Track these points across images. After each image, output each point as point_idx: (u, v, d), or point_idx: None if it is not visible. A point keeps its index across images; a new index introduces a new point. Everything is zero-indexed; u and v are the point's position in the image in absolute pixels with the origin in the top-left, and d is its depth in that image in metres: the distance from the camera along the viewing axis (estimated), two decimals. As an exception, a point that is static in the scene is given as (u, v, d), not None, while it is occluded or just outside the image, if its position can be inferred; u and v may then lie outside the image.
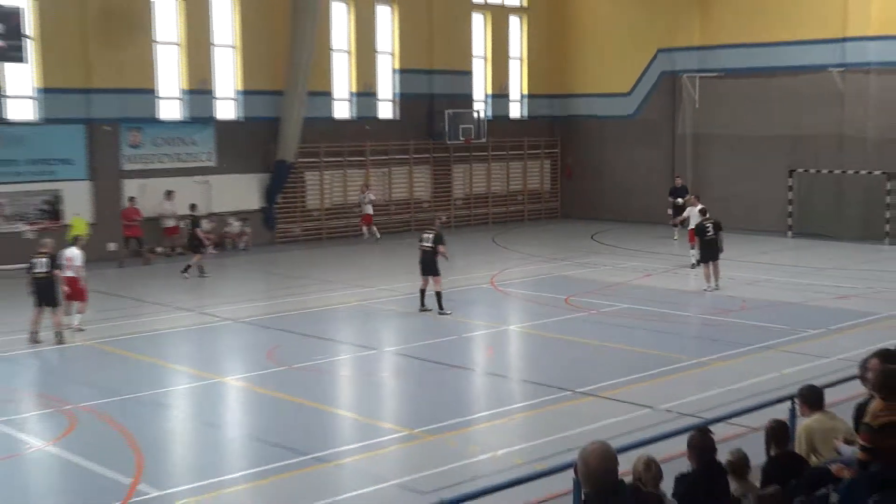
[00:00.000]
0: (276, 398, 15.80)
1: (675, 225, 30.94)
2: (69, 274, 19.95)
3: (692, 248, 26.84)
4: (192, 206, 29.49)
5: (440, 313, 21.46)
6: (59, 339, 19.23)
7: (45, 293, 19.21)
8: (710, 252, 24.29)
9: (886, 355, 8.75)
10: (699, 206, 26.20)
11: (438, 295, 21.57)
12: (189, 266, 26.56)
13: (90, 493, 11.75)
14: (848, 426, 8.97)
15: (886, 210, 32.09)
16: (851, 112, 33.16)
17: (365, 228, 34.49)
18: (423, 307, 21.81)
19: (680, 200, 31.04)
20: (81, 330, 20.03)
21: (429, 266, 21.69)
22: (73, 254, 20.31)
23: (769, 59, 34.74)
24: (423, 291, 21.94)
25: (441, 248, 21.74)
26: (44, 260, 19.41)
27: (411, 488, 11.62)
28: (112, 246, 28.93)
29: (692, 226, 26.51)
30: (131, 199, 29.98)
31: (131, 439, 13.61)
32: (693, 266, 26.66)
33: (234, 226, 32.66)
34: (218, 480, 12.22)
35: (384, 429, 14.31)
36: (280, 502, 11.45)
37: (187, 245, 28.26)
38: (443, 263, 21.93)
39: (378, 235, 34.25)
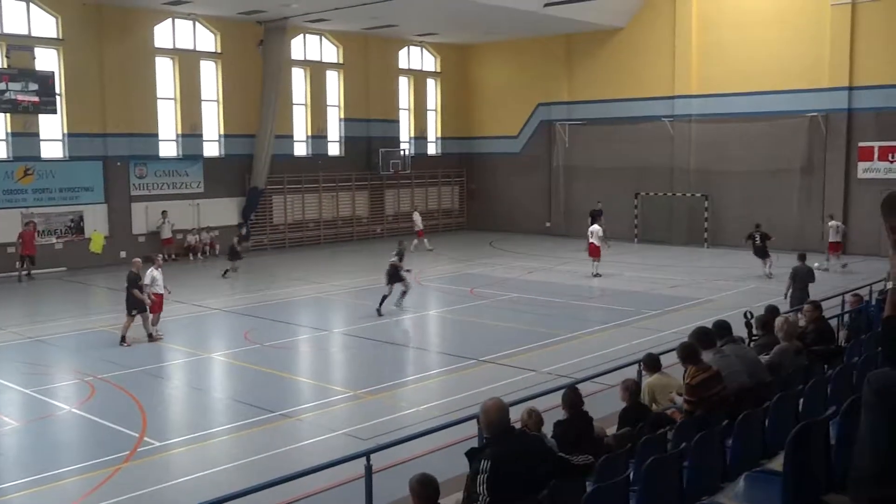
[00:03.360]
0: (252, 369, 15.51)
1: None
2: (156, 290, 17.74)
3: (593, 260, 25.28)
4: (240, 225, 28.81)
5: (378, 310, 19.78)
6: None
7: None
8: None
9: (699, 331, 8.79)
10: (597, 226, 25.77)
11: (384, 298, 20.01)
12: (227, 270, 25.91)
13: (108, 444, 11.38)
14: (679, 382, 9.06)
15: (705, 222, 32.84)
16: (679, 151, 33.72)
17: (416, 241, 31.77)
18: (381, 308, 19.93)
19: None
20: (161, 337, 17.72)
21: (392, 277, 20.26)
22: (155, 275, 17.85)
23: (618, 111, 35.14)
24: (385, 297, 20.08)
25: (401, 264, 20.32)
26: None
27: (355, 436, 11.49)
28: (122, 254, 28.09)
29: (593, 240, 25.29)
30: (27, 223, 26.18)
31: (138, 402, 13.27)
32: (594, 276, 25.00)
33: (206, 237, 31.39)
34: (206, 433, 11.99)
35: (334, 390, 14.17)
36: (256, 449, 11.20)
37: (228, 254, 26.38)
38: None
39: (430, 247, 32.06)
